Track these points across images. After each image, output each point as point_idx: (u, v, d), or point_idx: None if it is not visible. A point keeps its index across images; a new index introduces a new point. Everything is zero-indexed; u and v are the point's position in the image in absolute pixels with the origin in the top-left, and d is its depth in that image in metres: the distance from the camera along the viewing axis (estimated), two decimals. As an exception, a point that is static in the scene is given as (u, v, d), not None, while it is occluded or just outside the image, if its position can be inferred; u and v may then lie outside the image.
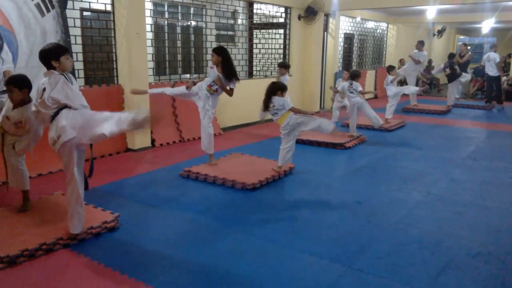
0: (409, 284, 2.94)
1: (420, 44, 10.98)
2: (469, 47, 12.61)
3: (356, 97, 7.39)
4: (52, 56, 3.24)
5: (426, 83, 16.01)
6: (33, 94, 3.61)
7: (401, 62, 11.73)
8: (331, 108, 11.45)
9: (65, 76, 3.23)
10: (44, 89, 3.23)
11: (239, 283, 2.93)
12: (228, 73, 5.23)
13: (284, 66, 7.68)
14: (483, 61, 12.25)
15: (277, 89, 5.21)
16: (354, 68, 13.23)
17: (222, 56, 5.22)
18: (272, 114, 5.24)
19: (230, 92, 5.39)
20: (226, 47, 8.63)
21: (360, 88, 7.43)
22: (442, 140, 7.75)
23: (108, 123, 3.13)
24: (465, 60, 12.17)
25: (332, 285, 2.92)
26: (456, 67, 11.39)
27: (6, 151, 3.83)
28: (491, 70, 11.68)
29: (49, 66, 3.27)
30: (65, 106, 3.20)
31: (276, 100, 5.15)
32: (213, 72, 5.30)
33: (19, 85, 3.62)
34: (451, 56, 11.57)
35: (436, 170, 5.71)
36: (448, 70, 11.26)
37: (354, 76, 7.50)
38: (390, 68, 9.31)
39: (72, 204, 3.39)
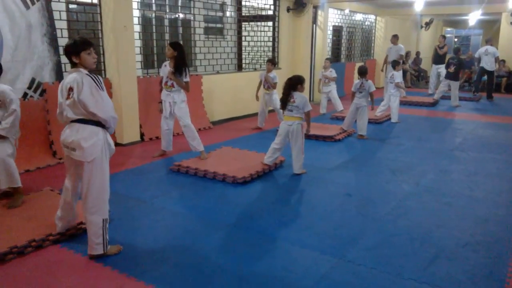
0: (400, 274, 2.97)
1: (395, 38, 11.01)
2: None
3: (361, 99, 6.98)
4: (71, 51, 2.98)
5: (413, 75, 16.12)
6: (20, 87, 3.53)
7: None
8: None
9: (93, 78, 2.95)
10: (70, 88, 2.96)
11: (231, 277, 2.93)
12: (179, 66, 5.33)
13: (273, 62, 7.56)
14: (478, 54, 12.26)
15: (297, 82, 5.05)
16: (342, 60, 13.27)
17: (178, 51, 5.34)
18: (289, 110, 5.06)
19: (185, 87, 5.48)
20: (214, 40, 8.64)
21: (373, 88, 6.95)
22: (430, 131, 7.82)
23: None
24: (444, 51, 12.23)
25: (323, 276, 2.94)
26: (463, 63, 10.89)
27: None
28: (488, 64, 11.72)
29: (72, 63, 3.03)
30: (91, 120, 3.00)
31: (298, 96, 5.00)
32: (165, 69, 5.46)
33: None
34: (457, 51, 10.88)
35: (424, 162, 5.76)
36: (452, 68, 10.51)
37: (364, 73, 6.98)
38: (396, 63, 8.88)
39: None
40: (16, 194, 3.99)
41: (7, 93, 3.81)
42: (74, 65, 3.03)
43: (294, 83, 5.06)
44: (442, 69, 12.00)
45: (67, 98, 2.99)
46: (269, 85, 7.34)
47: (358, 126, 7.17)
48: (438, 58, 12.31)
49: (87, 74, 2.97)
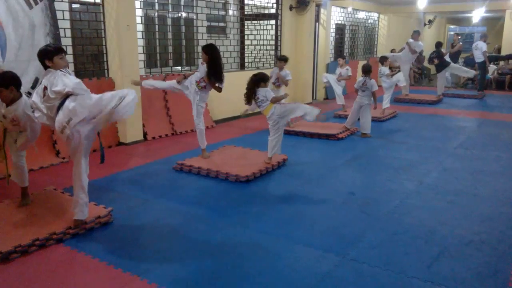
0: (403, 273, 2.96)
1: (416, 34, 10.94)
2: (459, 37, 12.54)
3: (364, 98, 7.01)
4: (45, 56, 3.36)
5: (417, 73, 16.07)
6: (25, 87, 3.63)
7: (393, 52, 11.73)
8: (324, 99, 11.53)
9: (61, 71, 3.36)
10: (45, 88, 3.32)
11: (234, 276, 2.94)
12: (213, 73, 5.21)
13: (284, 59, 7.25)
14: (472, 49, 12.29)
15: (260, 80, 5.21)
16: (345, 58, 13.21)
17: (209, 55, 5.22)
18: (258, 106, 5.27)
19: (218, 89, 5.41)
20: (217, 38, 8.62)
21: (376, 88, 6.96)
22: (433, 129, 7.79)
23: (114, 100, 3.24)
24: (456, 50, 12.18)
25: (326, 275, 2.94)
26: (446, 57, 11.36)
27: (9, 147, 3.86)
28: (479, 57, 11.79)
29: (45, 66, 3.39)
30: (68, 96, 3.28)
31: (260, 91, 5.18)
32: (203, 68, 5.30)
33: (4, 84, 3.51)
34: (438, 45, 11.46)
35: (428, 160, 5.74)
36: (436, 60, 11.17)
37: (368, 71, 7.03)
38: (383, 59, 9.22)
39: (76, 191, 3.49)
40: (24, 193, 4.02)
41: (20, 115, 3.64)
42: (46, 68, 3.39)
43: (258, 80, 5.19)
44: (470, 73, 11.89)
45: (43, 96, 3.33)
46: (282, 82, 7.12)
47: (361, 125, 7.15)
48: (450, 57, 12.20)
49: (55, 70, 3.35)
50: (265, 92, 5.17)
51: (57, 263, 3.10)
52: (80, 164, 3.43)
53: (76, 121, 3.23)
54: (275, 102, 5.15)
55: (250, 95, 5.24)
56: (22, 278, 2.90)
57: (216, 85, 5.29)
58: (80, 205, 3.48)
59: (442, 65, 11.19)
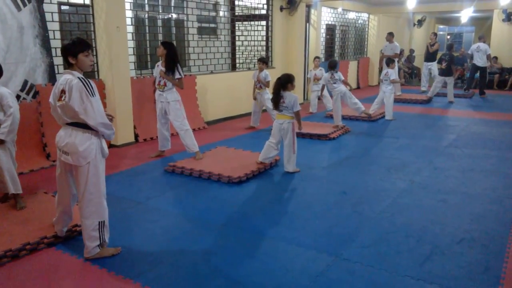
0: (396, 271, 2.98)
1: (390, 36, 10.98)
2: (436, 36, 12.51)
3: (340, 86, 7.44)
4: (68, 52, 2.94)
5: (407, 72, 16.18)
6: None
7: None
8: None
9: (84, 84, 2.90)
10: (63, 91, 2.91)
11: (228, 277, 2.93)
12: (170, 64, 5.33)
13: (264, 61, 7.49)
14: (471, 51, 12.32)
15: (286, 81, 5.03)
16: (336, 58, 13.28)
17: (168, 49, 5.35)
18: (279, 110, 5.10)
19: (178, 83, 5.47)
20: (208, 39, 8.61)
21: (342, 78, 7.51)
22: (424, 129, 7.85)
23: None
24: (435, 49, 12.28)
25: (320, 275, 2.94)
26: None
27: None
28: (480, 61, 11.80)
29: (68, 63, 2.98)
30: (84, 124, 2.95)
31: (288, 96, 5.02)
32: (158, 69, 5.47)
33: None
34: (450, 47, 11.12)
35: (419, 159, 5.78)
36: (444, 65, 10.66)
37: (333, 66, 7.50)
38: (390, 61, 8.83)
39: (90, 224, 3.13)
40: (17, 198, 3.99)
41: (5, 96, 3.79)
42: (69, 66, 2.98)
43: (283, 83, 5.06)
44: (433, 66, 12.05)
45: (59, 100, 2.94)
46: (262, 84, 7.34)
47: (354, 107, 7.93)
48: (429, 56, 12.34)
49: (79, 78, 2.92)
50: (294, 100, 4.97)
51: (48, 267, 3.07)
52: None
53: (79, 164, 3.01)
54: (297, 119, 5.08)
55: (277, 100, 5.04)
56: (13, 283, 2.87)
57: (176, 78, 5.41)
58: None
59: (447, 72, 10.81)
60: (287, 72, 5.34)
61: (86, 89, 2.90)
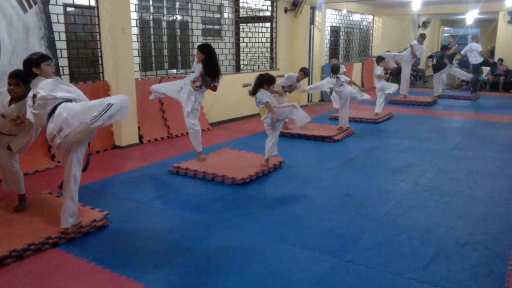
0: (400, 274, 2.96)
1: (421, 37, 10.96)
2: (454, 38, 12.62)
3: (347, 88, 7.38)
4: (32, 64, 3.33)
5: (412, 74, 16.13)
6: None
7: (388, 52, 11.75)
8: (319, 101, 11.57)
9: (53, 78, 3.32)
10: (34, 95, 3.25)
11: (231, 278, 2.93)
12: (210, 71, 5.19)
13: (306, 73, 7.10)
14: (464, 51, 12.30)
15: (263, 82, 5.13)
16: (340, 60, 13.26)
17: (206, 54, 5.18)
18: (256, 105, 5.24)
19: (213, 89, 5.40)
20: (212, 41, 8.62)
21: (348, 79, 7.47)
22: (429, 131, 7.82)
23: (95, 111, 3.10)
24: (451, 52, 12.23)
25: (324, 277, 2.94)
26: (446, 60, 11.37)
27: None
28: (473, 59, 11.86)
29: (33, 74, 3.34)
30: (61, 102, 3.19)
31: (258, 93, 5.14)
32: (198, 67, 5.28)
33: (25, 79, 3.49)
34: (444, 48, 11.54)
35: (423, 161, 5.76)
36: (434, 60, 11.23)
37: (336, 71, 7.44)
38: (380, 59, 9.02)
39: (64, 199, 3.42)
40: (21, 199, 3.99)
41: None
42: (34, 76, 3.33)
43: (262, 82, 5.11)
44: (451, 70, 11.96)
45: (33, 104, 3.25)
46: (290, 90, 7.10)
47: (361, 98, 7.70)
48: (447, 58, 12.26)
49: (45, 78, 3.30)
50: (262, 96, 5.11)
51: (52, 268, 3.08)
52: (70, 172, 3.34)
53: (67, 132, 3.09)
54: (268, 108, 5.09)
55: (254, 92, 5.18)
56: (18, 283, 2.88)
57: (211, 84, 5.29)
58: (67, 213, 3.39)
59: (439, 66, 11.26)
60: (268, 73, 5.32)
61: (52, 78, 3.34)
